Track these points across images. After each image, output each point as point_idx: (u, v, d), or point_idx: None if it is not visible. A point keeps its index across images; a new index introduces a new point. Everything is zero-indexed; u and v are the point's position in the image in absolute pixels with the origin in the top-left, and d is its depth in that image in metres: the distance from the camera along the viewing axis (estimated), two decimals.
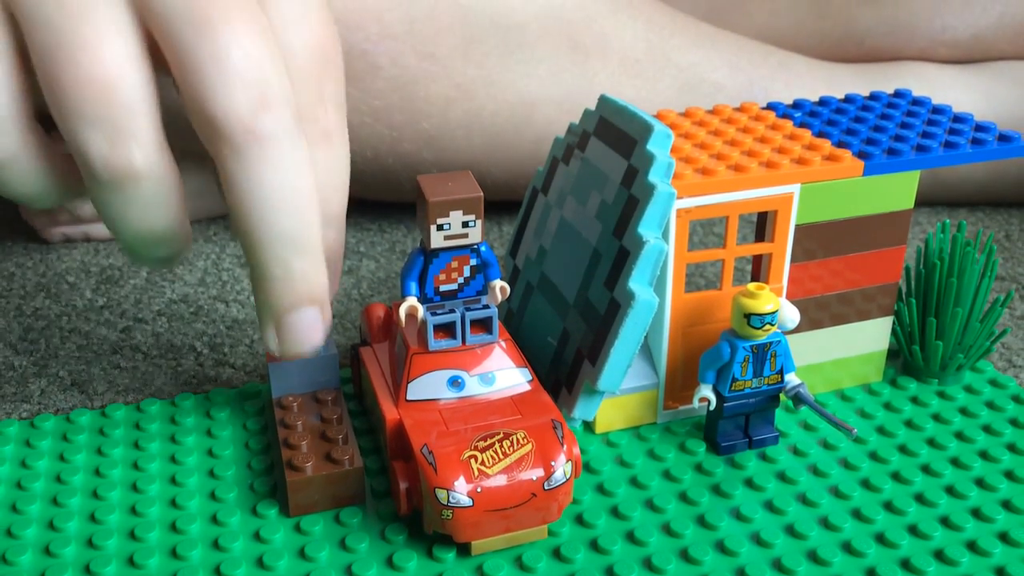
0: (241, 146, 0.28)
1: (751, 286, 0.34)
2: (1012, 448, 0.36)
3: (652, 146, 0.33)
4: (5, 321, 0.47)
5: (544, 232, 0.40)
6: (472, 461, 0.30)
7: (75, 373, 0.42)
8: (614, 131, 0.36)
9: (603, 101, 0.37)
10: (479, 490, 0.30)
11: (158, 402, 0.39)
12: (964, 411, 0.38)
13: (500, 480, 0.30)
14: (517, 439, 0.31)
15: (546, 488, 0.30)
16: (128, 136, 0.27)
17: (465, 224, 0.32)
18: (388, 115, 0.50)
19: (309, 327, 0.31)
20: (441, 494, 0.30)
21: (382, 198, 0.56)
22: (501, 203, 0.57)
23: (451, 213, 0.32)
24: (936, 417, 0.38)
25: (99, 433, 0.37)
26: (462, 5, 0.49)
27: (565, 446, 0.31)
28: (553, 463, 0.30)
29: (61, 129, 0.27)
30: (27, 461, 0.35)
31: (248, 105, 0.27)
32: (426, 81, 0.49)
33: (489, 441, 0.31)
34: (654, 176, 0.33)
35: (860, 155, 0.36)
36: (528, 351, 0.37)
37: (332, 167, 0.31)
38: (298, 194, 0.29)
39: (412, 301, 0.33)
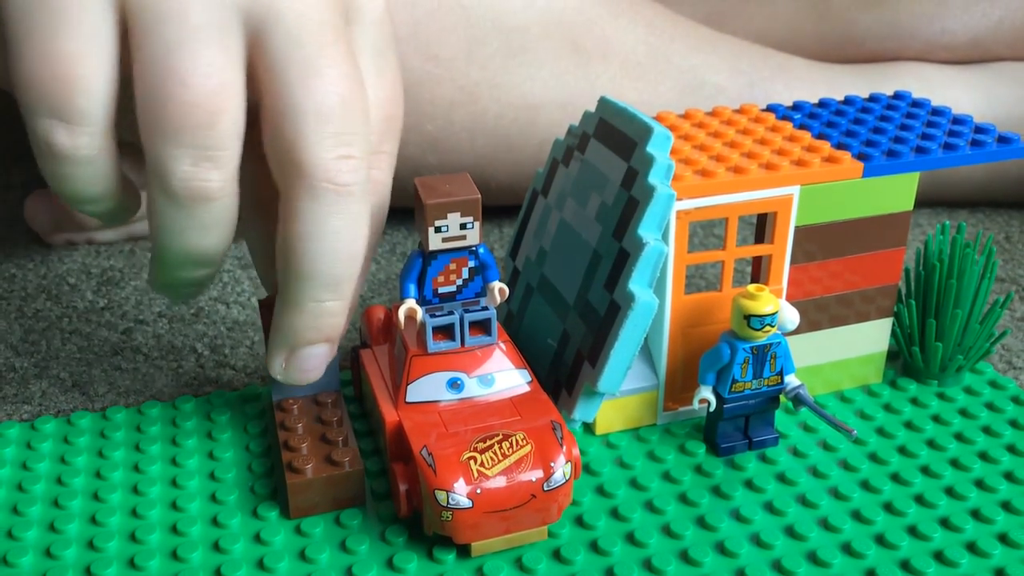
0: (319, 192, 0.29)
1: (751, 287, 0.34)
2: (1012, 449, 0.36)
3: (652, 148, 0.33)
4: (6, 323, 0.47)
5: (544, 234, 0.40)
6: (471, 463, 0.30)
7: (76, 375, 0.42)
8: (614, 133, 0.36)
9: (603, 103, 0.37)
10: (479, 491, 0.30)
11: (159, 405, 0.39)
12: (964, 412, 0.38)
13: (499, 481, 0.30)
14: (516, 440, 0.31)
15: (545, 489, 0.30)
16: (213, 162, 0.28)
17: (463, 226, 0.32)
18: None
19: (318, 361, 0.33)
20: (441, 496, 0.30)
21: None
22: (506, 206, 0.57)
23: (449, 215, 0.32)
24: (936, 418, 0.38)
25: (100, 435, 0.37)
26: (464, 7, 0.49)
27: (564, 447, 0.31)
28: (552, 464, 0.30)
29: (145, 140, 0.28)
30: (28, 463, 0.35)
31: (335, 155, 0.29)
32: (430, 84, 0.50)
33: (488, 443, 0.31)
34: (654, 178, 0.33)
35: (859, 157, 0.36)
36: (528, 353, 0.37)
37: (373, 215, 0.33)
38: (355, 244, 0.30)
39: (411, 303, 0.33)
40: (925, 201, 0.59)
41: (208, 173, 0.28)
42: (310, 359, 0.32)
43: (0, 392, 0.41)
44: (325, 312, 0.31)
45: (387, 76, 0.33)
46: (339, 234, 0.29)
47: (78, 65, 0.27)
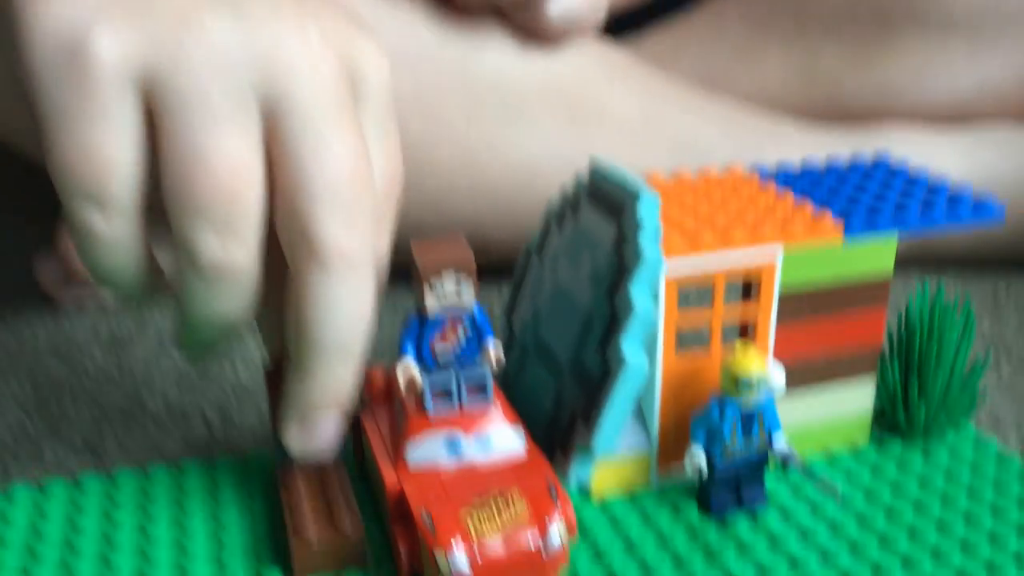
0: (329, 264, 0.30)
1: (739, 348, 0.35)
2: (995, 510, 0.37)
3: (641, 211, 0.35)
4: (18, 383, 0.48)
5: (538, 295, 0.41)
6: (470, 523, 0.31)
7: (87, 437, 0.43)
8: (604, 195, 0.37)
9: (594, 165, 0.39)
10: (477, 552, 0.30)
11: (165, 468, 0.40)
12: (948, 473, 0.39)
13: (497, 541, 0.31)
14: (512, 499, 0.32)
15: (542, 549, 0.31)
16: (239, 238, 0.30)
17: (458, 287, 0.34)
18: None
19: (331, 428, 0.34)
20: (440, 558, 0.30)
21: None
22: (504, 266, 0.58)
23: (444, 276, 0.33)
24: (921, 478, 0.39)
25: (107, 498, 0.38)
26: (465, 72, 0.51)
27: (560, 507, 0.32)
28: (549, 524, 0.31)
29: (173, 220, 0.29)
30: (37, 526, 0.36)
31: (344, 229, 0.30)
32: (430, 145, 0.51)
33: (486, 503, 0.32)
34: (643, 241, 0.34)
35: (841, 220, 0.37)
36: (524, 413, 0.38)
37: (361, 290, 0.34)
38: (362, 311, 0.31)
39: (409, 361, 0.34)
40: (914, 260, 0.60)
41: (233, 249, 0.30)
42: (324, 426, 0.33)
43: (13, 453, 0.42)
44: (336, 378, 0.32)
45: (388, 147, 0.34)
46: (348, 302, 0.31)
47: (110, 152, 0.29)
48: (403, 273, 0.60)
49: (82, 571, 0.34)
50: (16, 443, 0.43)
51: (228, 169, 0.29)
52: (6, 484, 0.40)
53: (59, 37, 0.28)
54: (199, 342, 0.33)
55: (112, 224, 0.30)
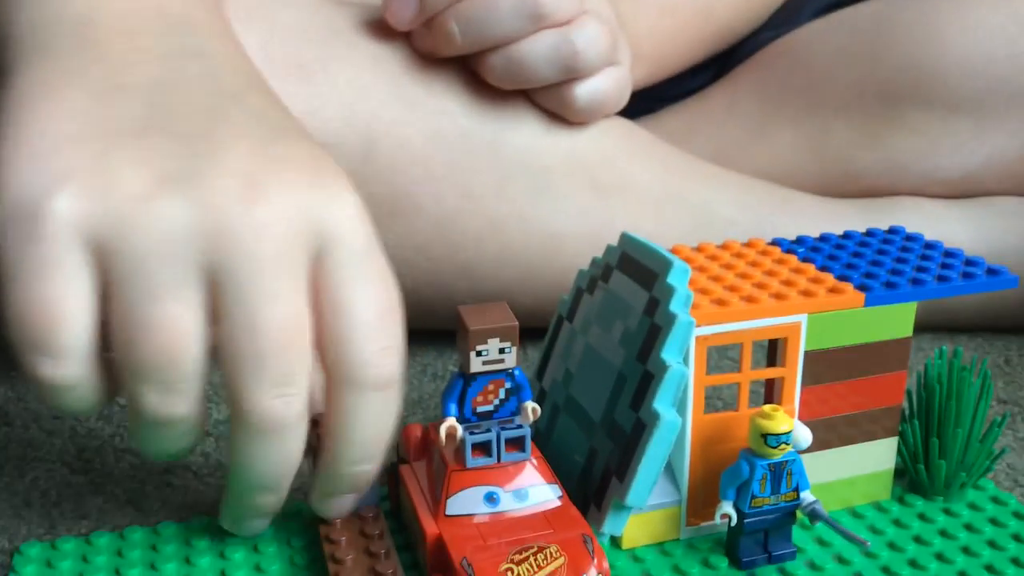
0: (253, 428, 0.33)
1: (767, 408, 0.37)
2: (1016, 562, 0.38)
3: (672, 279, 0.37)
4: (61, 441, 0.49)
5: (570, 357, 0.43)
6: (509, 574, 0.32)
7: (130, 491, 0.45)
8: (635, 265, 0.39)
9: (625, 238, 0.41)
10: None
11: (207, 519, 0.41)
12: (969, 527, 0.40)
13: None
14: (551, 553, 0.33)
15: None
16: (178, 395, 0.32)
17: (502, 350, 0.36)
18: (428, 249, 0.54)
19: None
20: None
21: (417, 326, 0.59)
22: (528, 329, 0.60)
23: (489, 340, 0.35)
24: (943, 533, 0.40)
25: (151, 549, 0.39)
26: (496, 149, 0.54)
27: (596, 559, 0.33)
28: None
29: (122, 373, 0.32)
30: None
31: (271, 396, 0.32)
32: (463, 217, 0.54)
33: (524, 554, 0.33)
34: (675, 307, 0.36)
35: (860, 288, 0.39)
36: (555, 467, 0.39)
37: (383, 411, 0.35)
38: (286, 466, 0.34)
39: (452, 422, 0.36)
40: (927, 327, 0.62)
41: (173, 404, 0.32)
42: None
43: (59, 508, 0.43)
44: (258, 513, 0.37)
45: (373, 289, 0.34)
46: (272, 460, 0.34)
47: (58, 307, 0.31)
48: (429, 334, 0.62)
49: None
50: (61, 497, 0.44)
51: (167, 339, 0.31)
52: (53, 537, 0.41)
53: (21, 200, 0.31)
54: (155, 458, 0.36)
55: (61, 372, 0.32)
